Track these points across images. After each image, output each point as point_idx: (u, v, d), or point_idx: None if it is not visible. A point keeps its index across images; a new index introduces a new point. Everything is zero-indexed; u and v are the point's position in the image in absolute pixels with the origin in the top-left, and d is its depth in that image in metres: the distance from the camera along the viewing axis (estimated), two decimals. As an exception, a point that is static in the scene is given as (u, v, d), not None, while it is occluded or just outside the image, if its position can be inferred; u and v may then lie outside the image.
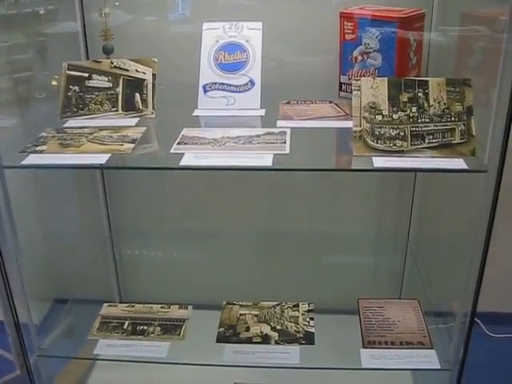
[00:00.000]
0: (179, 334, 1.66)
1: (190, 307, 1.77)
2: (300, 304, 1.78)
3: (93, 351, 1.65)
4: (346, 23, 1.61)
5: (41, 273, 2.31)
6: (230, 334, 1.66)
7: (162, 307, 1.77)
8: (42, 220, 2.24)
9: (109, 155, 1.37)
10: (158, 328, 1.69)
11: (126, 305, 1.79)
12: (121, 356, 1.62)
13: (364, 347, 1.59)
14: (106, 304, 1.80)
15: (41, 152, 1.41)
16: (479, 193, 1.31)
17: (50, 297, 2.37)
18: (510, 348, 2.31)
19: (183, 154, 1.35)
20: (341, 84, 1.68)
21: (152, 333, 1.67)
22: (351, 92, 1.39)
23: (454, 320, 1.55)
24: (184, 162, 1.32)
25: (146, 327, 1.69)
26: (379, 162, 1.30)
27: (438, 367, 1.54)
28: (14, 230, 1.52)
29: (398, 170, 1.32)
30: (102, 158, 1.36)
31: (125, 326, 1.70)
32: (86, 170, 1.99)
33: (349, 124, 1.39)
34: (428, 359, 1.56)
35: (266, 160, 1.31)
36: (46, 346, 1.68)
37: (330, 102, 1.66)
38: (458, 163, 1.29)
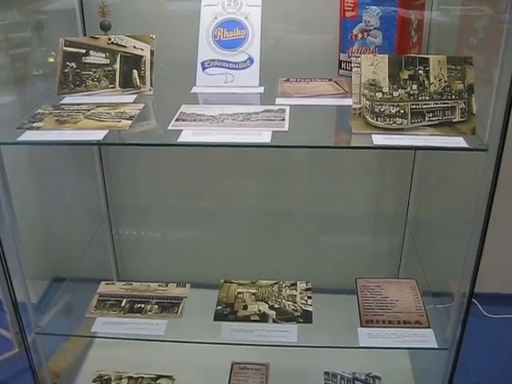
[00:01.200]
0: (177, 312, 1.66)
1: (187, 285, 1.77)
2: (298, 283, 1.78)
3: (90, 329, 1.64)
4: (346, 0, 1.58)
5: (39, 251, 2.31)
6: (227, 313, 1.66)
7: (159, 285, 1.77)
8: (40, 198, 2.24)
9: (106, 131, 1.36)
10: (156, 306, 1.68)
11: (124, 283, 1.79)
12: (118, 334, 1.62)
13: (362, 326, 1.59)
14: (103, 282, 1.80)
15: (37, 128, 1.40)
16: (479, 172, 1.31)
17: (48, 275, 2.38)
18: (506, 328, 2.33)
19: (181, 130, 1.34)
20: (340, 62, 1.67)
21: (149, 311, 1.67)
22: (351, 70, 1.38)
23: (451, 300, 1.55)
24: (182, 139, 1.31)
25: (143, 305, 1.69)
26: (379, 139, 1.29)
27: (436, 346, 1.54)
28: (12, 208, 1.52)
29: (398, 148, 1.31)
30: (99, 135, 1.35)
31: (122, 304, 1.70)
32: (83, 148, 1.98)
33: (348, 102, 1.38)
34: (425, 338, 1.56)
35: (265, 137, 1.29)
36: (43, 324, 1.67)
37: (330, 80, 1.64)
38: (458, 141, 1.28)
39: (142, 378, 1.99)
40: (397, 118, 1.32)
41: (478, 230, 1.35)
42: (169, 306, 1.69)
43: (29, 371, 1.70)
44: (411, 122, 1.31)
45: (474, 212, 1.35)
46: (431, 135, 1.30)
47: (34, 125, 1.42)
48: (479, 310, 2.34)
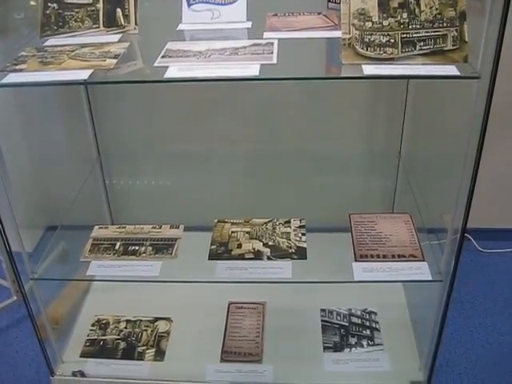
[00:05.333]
0: (171, 253, 1.66)
1: (181, 226, 1.76)
2: (292, 220, 1.77)
3: (86, 274, 1.65)
4: None
5: (31, 200, 2.31)
6: (221, 251, 1.66)
7: (153, 227, 1.76)
8: (28, 145, 2.22)
9: (91, 71, 1.32)
10: (150, 248, 1.68)
11: (117, 226, 1.78)
12: (113, 276, 1.62)
13: (356, 261, 1.59)
14: (96, 226, 1.79)
15: (21, 71, 1.36)
16: (472, 101, 1.28)
17: (42, 224, 2.38)
18: (500, 263, 2.36)
19: (167, 66, 1.31)
20: (329, -5, 1.62)
21: (144, 253, 1.66)
22: (340, 3, 1.34)
23: (446, 236, 1.55)
24: (168, 75, 1.28)
25: (137, 247, 1.69)
26: (369, 69, 1.26)
27: (430, 278, 1.55)
28: (1, 156, 1.50)
29: (389, 77, 1.28)
30: (83, 74, 1.31)
31: (116, 247, 1.69)
32: (69, 90, 1.95)
33: (338, 34, 1.34)
34: (420, 271, 1.56)
35: (253, 70, 1.26)
36: (40, 272, 1.67)
37: (319, 14, 1.60)
38: (450, 70, 1.25)
39: (140, 320, 2.02)
40: (387, 48, 1.28)
41: (471, 161, 1.33)
42: (163, 247, 1.68)
43: (28, 318, 1.70)
44: (402, 52, 1.28)
45: (467, 144, 1.33)
46: (423, 64, 1.27)
47: (17, 67, 1.38)
48: (473, 245, 2.36)
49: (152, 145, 2.16)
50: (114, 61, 1.37)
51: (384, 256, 1.60)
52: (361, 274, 1.55)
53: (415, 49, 1.28)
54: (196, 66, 1.31)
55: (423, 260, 1.60)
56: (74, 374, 1.84)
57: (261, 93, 1.91)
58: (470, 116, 1.30)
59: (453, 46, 1.28)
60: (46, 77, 1.34)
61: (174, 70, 1.30)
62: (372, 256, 1.60)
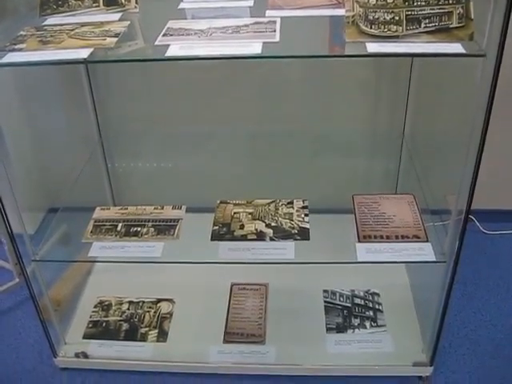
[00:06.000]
0: (173, 234, 1.65)
1: (183, 207, 1.75)
2: (294, 201, 1.76)
3: (87, 255, 1.64)
4: None
5: (33, 182, 2.30)
6: (224, 232, 1.65)
7: (155, 208, 1.75)
8: (29, 126, 2.21)
9: (91, 49, 1.31)
10: (152, 229, 1.67)
11: (119, 207, 1.77)
12: (115, 257, 1.61)
13: (359, 241, 1.57)
14: (98, 208, 1.78)
15: (20, 50, 1.34)
16: (477, 79, 1.26)
17: (44, 206, 2.37)
18: (503, 244, 2.34)
19: (169, 45, 1.29)
20: (333, -28, 1.60)
21: (146, 234, 1.65)
22: (343, -20, 1.32)
23: (449, 217, 1.53)
24: (170, 53, 1.26)
25: (139, 228, 1.68)
26: (373, 47, 1.24)
27: (434, 259, 1.53)
28: (2, 137, 1.49)
29: (393, 55, 1.25)
30: (83, 53, 1.30)
31: (118, 228, 1.68)
32: (70, 70, 1.94)
33: (341, 12, 1.32)
34: (423, 252, 1.55)
35: (255, 48, 1.24)
36: (42, 254, 1.67)
37: (322, -9, 1.58)
38: (456, 48, 1.23)
39: (143, 302, 2.02)
40: (391, 25, 1.26)
41: (476, 142, 1.31)
42: (165, 228, 1.67)
43: (30, 300, 1.70)
44: (407, 29, 1.26)
45: (472, 123, 1.31)
46: (427, 42, 1.25)
47: (16, 47, 1.36)
48: (477, 226, 2.35)
49: (154, 125, 2.14)
50: (115, 39, 1.35)
51: (387, 237, 1.59)
52: (364, 255, 1.54)
53: (420, 26, 1.26)
54: (197, 45, 1.29)
55: (427, 241, 1.58)
56: (76, 355, 1.84)
57: (263, 72, 1.89)
58: (476, 95, 1.28)
59: (458, 23, 1.26)
60: (45, 56, 1.32)
61: (176, 49, 1.28)
62: (375, 237, 1.59)
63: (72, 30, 1.42)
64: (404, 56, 1.25)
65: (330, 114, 2.07)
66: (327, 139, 2.09)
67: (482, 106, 1.26)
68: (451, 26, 1.26)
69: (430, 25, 1.26)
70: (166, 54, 1.26)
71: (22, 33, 1.44)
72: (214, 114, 2.06)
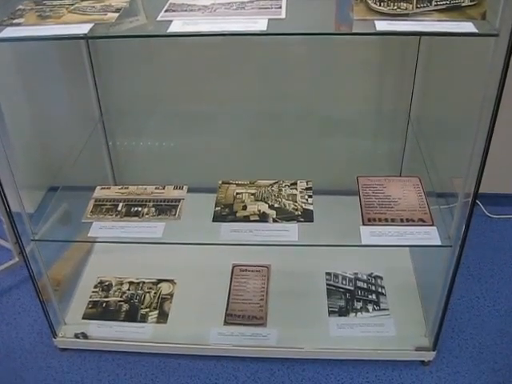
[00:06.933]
0: (175, 215, 1.63)
1: (185, 187, 1.72)
2: (298, 182, 1.73)
3: (87, 235, 1.62)
4: None
5: (32, 160, 2.28)
6: (226, 213, 1.63)
7: (156, 188, 1.72)
8: (28, 103, 2.18)
9: (91, 25, 1.28)
10: (153, 209, 1.64)
11: (120, 187, 1.75)
12: (115, 238, 1.59)
13: (364, 224, 1.55)
14: (98, 187, 1.75)
15: (18, 25, 1.32)
16: (488, 60, 1.23)
17: (44, 185, 2.34)
18: (508, 228, 2.33)
19: (171, 21, 1.26)
20: None
21: (147, 214, 1.63)
22: (352, -45, 1.28)
23: (455, 200, 1.51)
24: (172, 29, 1.23)
25: (140, 208, 1.65)
26: (382, 25, 1.20)
27: (439, 243, 1.51)
28: (0, 113, 1.46)
29: (403, 34, 1.23)
30: (84, 28, 1.27)
31: (119, 208, 1.66)
32: (70, 46, 1.90)
33: (350, -12, 1.29)
34: (429, 236, 1.53)
35: (261, 25, 1.21)
36: (41, 233, 1.65)
37: (330, -33, 1.54)
38: (467, 27, 1.19)
39: (143, 282, 2.00)
40: (401, 3, 1.22)
41: (486, 124, 1.28)
42: (166, 208, 1.65)
43: (30, 280, 1.69)
44: (417, 7, 1.22)
45: (482, 105, 1.28)
46: (438, 20, 1.22)
47: (15, 21, 1.33)
48: (481, 210, 2.33)
49: (156, 104, 2.11)
50: (116, 15, 1.32)
51: (392, 220, 1.57)
52: (368, 238, 1.51)
53: (431, 4, 1.23)
54: (201, 21, 1.26)
55: (432, 224, 1.56)
56: (76, 335, 1.83)
57: (267, 50, 1.85)
58: (486, 76, 1.24)
59: (470, 1, 1.22)
60: (44, 31, 1.29)
61: (178, 25, 1.25)
62: (380, 220, 1.57)
63: (72, 4, 1.39)
64: (414, 35, 1.24)
65: (335, 93, 2.03)
66: (331, 119, 2.06)
67: (493, 86, 1.23)
68: (463, 4, 1.23)
69: (441, 3, 1.23)
70: (168, 30, 1.23)
71: (20, 7, 1.41)
72: (217, 92, 2.02)
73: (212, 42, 1.74)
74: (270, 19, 1.23)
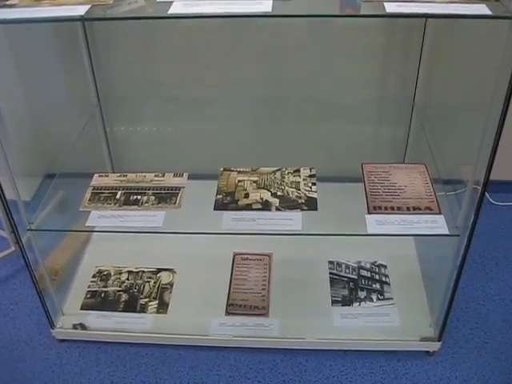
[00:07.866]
0: (175, 203, 1.59)
1: (185, 175, 1.69)
2: (301, 169, 1.70)
3: (85, 224, 1.58)
4: None
5: (28, 147, 2.24)
6: (228, 202, 1.59)
7: (156, 176, 1.69)
8: (24, 89, 2.14)
9: (88, 6, 1.24)
10: (153, 197, 1.61)
11: (118, 174, 1.71)
12: (114, 227, 1.56)
13: (369, 213, 1.51)
14: (96, 174, 1.72)
15: (12, 6, 1.28)
16: (502, 44, 1.18)
17: (40, 172, 2.31)
18: (513, 216, 2.29)
19: (171, 2, 1.22)
20: None
21: (146, 202, 1.59)
22: None
23: (462, 187, 1.48)
24: (173, 11, 1.19)
25: (139, 197, 1.62)
26: (391, 7, 1.16)
27: (447, 233, 1.48)
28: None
29: (412, 16, 1.18)
30: (80, 10, 1.23)
31: (117, 197, 1.62)
32: (66, 28, 1.86)
33: (357, -32, 1.25)
34: (436, 225, 1.49)
35: (265, 6, 1.17)
36: (38, 222, 1.62)
37: None
38: (481, 9, 1.15)
39: (143, 271, 1.97)
40: (411, -16, 1.18)
41: (498, 110, 1.24)
42: (166, 196, 1.61)
43: (27, 269, 1.66)
44: (427, -12, 1.18)
45: (494, 91, 1.24)
46: (449, 2, 1.18)
47: (8, 2, 1.29)
48: (486, 197, 2.28)
49: (155, 88, 2.07)
50: (114, -5, 1.28)
51: (398, 208, 1.53)
52: (374, 227, 1.48)
53: (441, -15, 1.18)
54: (203, 1, 1.22)
55: (439, 213, 1.52)
56: (74, 326, 1.80)
57: (270, 34, 1.81)
58: (500, 60, 1.20)
59: (483, -18, 1.18)
60: (39, 13, 1.25)
61: (179, 6, 1.21)
62: (386, 208, 1.53)
63: (68, -15, 1.35)
64: (424, 17, 1.20)
65: (338, 79, 1.99)
66: (335, 105, 2.03)
67: (506, 71, 1.18)
68: (475, -15, 1.18)
69: (453, -17, 1.18)
70: (168, 12, 1.19)
71: (14, -12, 1.37)
72: (218, 76, 1.99)
73: (212, 26, 1.70)
74: (275, 0, 1.19)
